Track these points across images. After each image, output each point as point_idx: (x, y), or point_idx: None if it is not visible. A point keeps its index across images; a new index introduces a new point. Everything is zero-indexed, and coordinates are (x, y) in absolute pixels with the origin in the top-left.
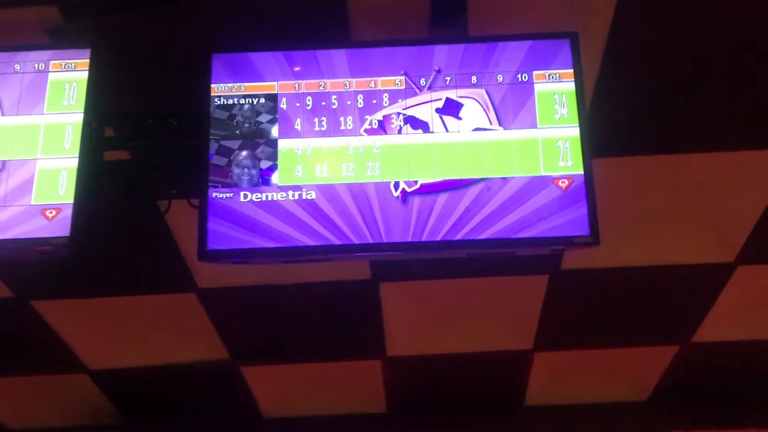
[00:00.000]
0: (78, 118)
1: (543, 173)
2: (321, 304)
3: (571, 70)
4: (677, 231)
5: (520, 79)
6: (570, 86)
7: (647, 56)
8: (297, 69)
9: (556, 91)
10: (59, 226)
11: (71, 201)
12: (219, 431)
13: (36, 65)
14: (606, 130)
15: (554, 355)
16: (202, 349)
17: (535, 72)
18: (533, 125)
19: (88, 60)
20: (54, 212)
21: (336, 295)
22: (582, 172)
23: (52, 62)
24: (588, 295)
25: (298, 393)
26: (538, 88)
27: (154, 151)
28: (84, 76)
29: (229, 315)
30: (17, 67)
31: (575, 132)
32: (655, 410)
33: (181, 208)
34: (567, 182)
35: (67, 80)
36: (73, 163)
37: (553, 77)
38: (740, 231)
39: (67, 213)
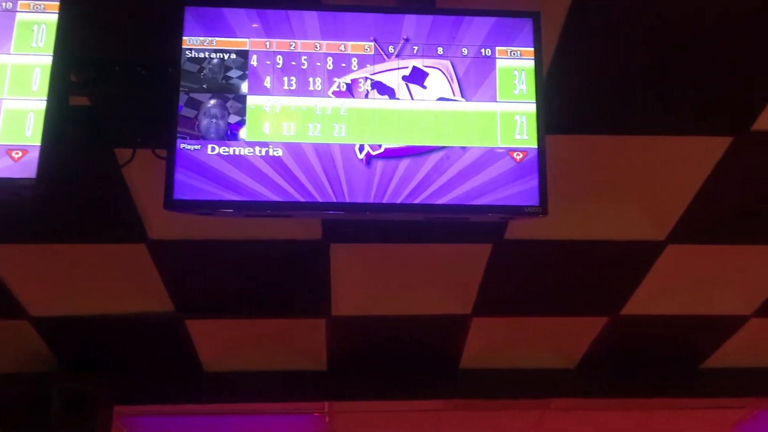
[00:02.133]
0: (46, 60)
1: (500, 145)
2: (271, 262)
3: (532, 48)
4: (614, 209)
5: (483, 54)
6: (530, 64)
7: (601, 40)
8: (259, 27)
9: (517, 67)
10: (25, 168)
11: (38, 143)
12: (158, 384)
13: (4, 3)
14: (555, 108)
15: (491, 321)
16: (147, 301)
17: (498, 48)
18: (493, 99)
19: (58, 2)
20: (20, 153)
21: (286, 254)
22: (536, 147)
23: (20, 2)
24: (527, 265)
25: (240, 348)
26: (500, 63)
27: (118, 99)
28: (53, 18)
29: (178, 268)
30: None
31: (532, 108)
32: (583, 378)
33: (137, 159)
34: (521, 155)
35: (36, 21)
36: (41, 105)
37: (514, 54)
38: (673, 212)
39: (34, 155)
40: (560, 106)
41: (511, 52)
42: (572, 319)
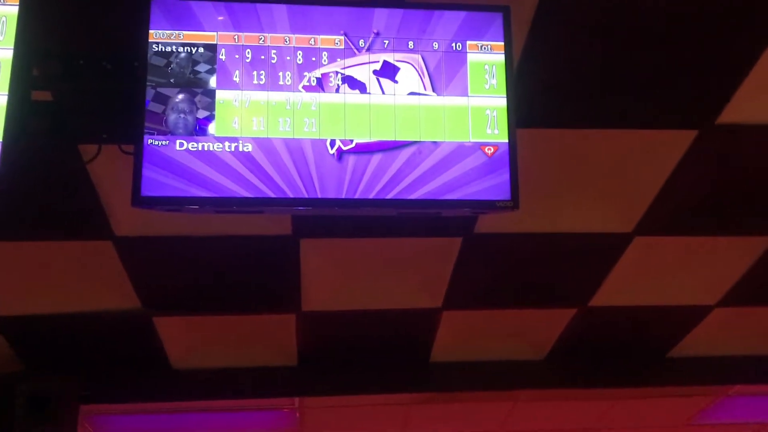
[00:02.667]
0: (8, 54)
1: (471, 140)
2: (240, 258)
3: (502, 43)
4: (582, 201)
5: (454, 48)
6: (500, 58)
7: (569, 35)
8: (227, 20)
9: (488, 61)
10: None
11: (0, 139)
12: (125, 382)
13: None
14: (523, 102)
15: (461, 314)
16: (114, 299)
17: (468, 42)
18: (464, 93)
19: None
20: None
21: (256, 250)
22: (507, 141)
23: None
24: (497, 258)
25: (209, 345)
26: (471, 57)
27: (83, 94)
28: (14, 11)
29: (145, 265)
30: None
31: (503, 102)
32: (552, 368)
33: (102, 154)
34: (493, 149)
35: None
36: (2, 100)
37: (485, 48)
38: (640, 204)
39: None
40: (528, 100)
41: (481, 46)
42: (541, 311)
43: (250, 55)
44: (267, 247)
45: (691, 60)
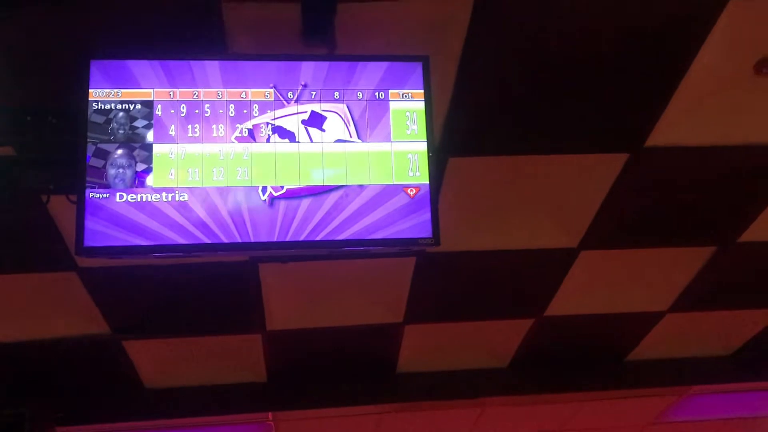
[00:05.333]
0: None
1: (395, 182)
2: (202, 283)
3: (422, 91)
4: (527, 221)
5: (377, 97)
6: (420, 105)
7: (498, 70)
8: (162, 77)
9: (408, 108)
10: None
11: None
12: (99, 403)
13: None
14: (461, 134)
15: (423, 328)
16: (83, 325)
17: (390, 91)
18: (388, 139)
19: None
20: None
21: (216, 275)
22: (428, 182)
23: None
24: (452, 274)
25: (180, 365)
26: (393, 105)
27: (33, 147)
28: None
29: (110, 292)
30: None
31: (423, 146)
32: (515, 376)
33: (62, 198)
34: (415, 191)
35: None
36: None
37: (406, 96)
38: (581, 221)
39: None
40: (462, 133)
41: (403, 94)
42: (500, 322)
43: (184, 110)
44: (227, 272)
45: (619, 87)
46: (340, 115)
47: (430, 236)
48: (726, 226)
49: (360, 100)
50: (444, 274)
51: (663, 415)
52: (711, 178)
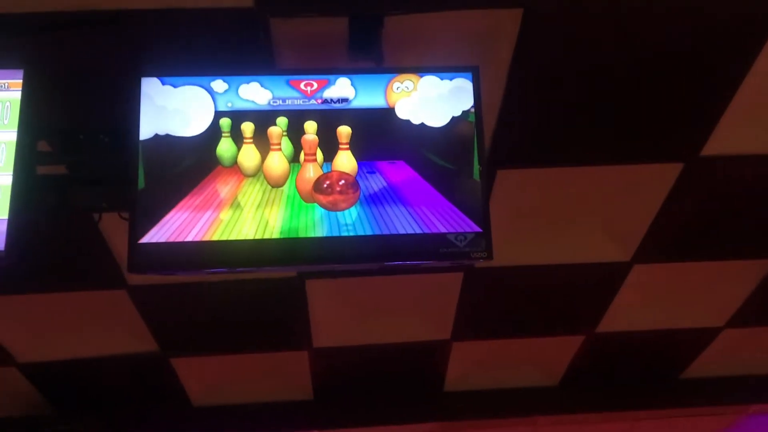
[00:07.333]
0: (12, 137)
1: None
2: (249, 300)
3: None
4: (579, 234)
5: None
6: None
7: (548, 80)
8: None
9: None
10: None
11: (5, 216)
12: (149, 420)
13: None
14: (514, 144)
15: (470, 345)
16: (132, 342)
17: None
18: None
19: (21, 80)
20: None
21: (263, 292)
22: None
23: None
24: (500, 289)
25: (226, 382)
26: None
27: (86, 166)
28: (17, 95)
29: (159, 310)
30: None
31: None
32: (567, 394)
33: (114, 216)
34: None
35: (1, 100)
36: (7, 180)
37: None
38: (635, 234)
39: (2, 228)
40: (514, 143)
41: None
42: (550, 338)
43: None
44: (274, 289)
45: (674, 97)
46: None
47: (483, 249)
48: None
49: None
50: (492, 290)
51: None
52: None
